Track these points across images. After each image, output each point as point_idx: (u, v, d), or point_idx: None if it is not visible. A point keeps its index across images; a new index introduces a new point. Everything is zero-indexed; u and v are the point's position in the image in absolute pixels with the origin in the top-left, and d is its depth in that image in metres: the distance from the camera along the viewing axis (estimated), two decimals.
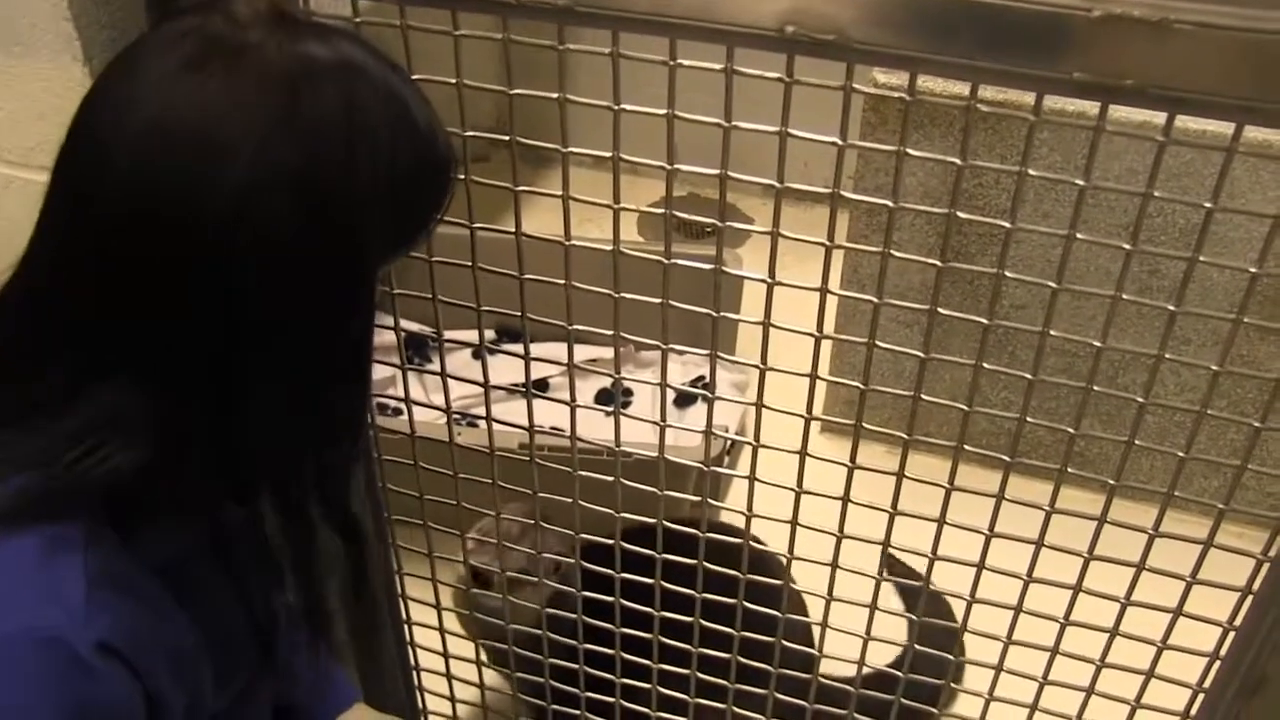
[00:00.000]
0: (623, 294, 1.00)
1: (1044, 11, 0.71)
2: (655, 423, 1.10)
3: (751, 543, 1.13)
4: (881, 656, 1.22)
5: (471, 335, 1.12)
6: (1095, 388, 0.93)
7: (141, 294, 0.75)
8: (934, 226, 2.10)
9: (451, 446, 1.18)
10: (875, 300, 0.94)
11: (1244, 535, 1.07)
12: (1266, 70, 0.70)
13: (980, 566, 1.07)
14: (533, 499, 1.18)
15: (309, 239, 0.75)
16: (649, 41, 0.82)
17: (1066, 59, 0.73)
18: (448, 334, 1.12)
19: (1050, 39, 0.72)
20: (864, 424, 1.02)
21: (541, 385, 2.26)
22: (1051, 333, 0.91)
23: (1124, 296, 0.87)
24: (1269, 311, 1.98)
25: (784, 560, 1.13)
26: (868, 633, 1.15)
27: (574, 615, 1.26)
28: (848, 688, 1.21)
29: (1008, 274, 0.89)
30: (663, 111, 0.87)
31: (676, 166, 0.92)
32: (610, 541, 1.17)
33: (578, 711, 1.35)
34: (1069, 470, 0.99)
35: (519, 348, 1.10)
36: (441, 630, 1.37)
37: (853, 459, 1.04)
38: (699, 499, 1.11)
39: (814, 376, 0.99)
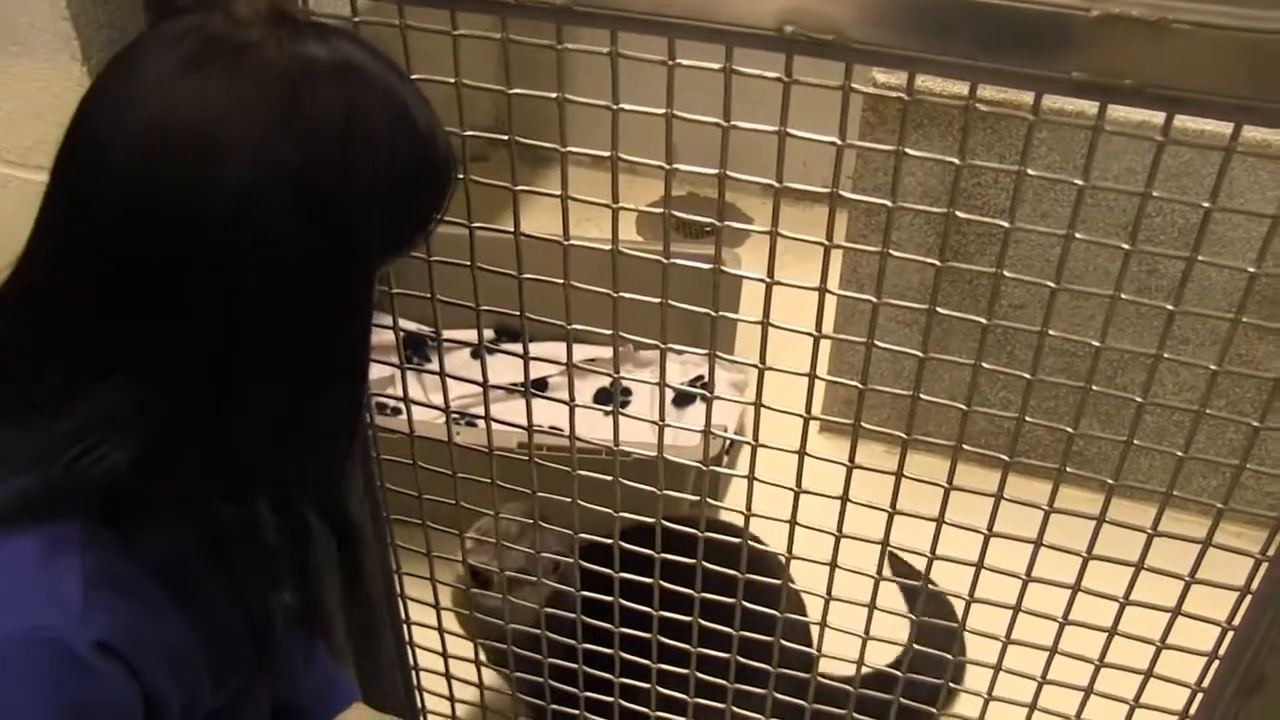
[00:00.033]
0: (621, 293, 1.00)
1: (1043, 11, 0.71)
2: (654, 422, 1.10)
3: (750, 542, 1.13)
4: (882, 656, 1.22)
5: (470, 335, 1.12)
6: (1094, 387, 0.93)
7: (140, 294, 0.75)
8: (933, 226, 2.10)
9: (450, 446, 1.18)
10: (874, 300, 0.94)
11: (1243, 535, 1.07)
12: (1265, 70, 0.70)
13: (979, 566, 1.07)
14: (531, 498, 1.18)
15: (308, 239, 0.75)
16: (648, 41, 0.82)
17: (1065, 58, 0.73)
18: (446, 333, 1.12)
19: (1049, 38, 0.72)
20: (863, 423, 1.02)
21: (540, 385, 2.26)
22: (1050, 332, 0.91)
23: (1123, 296, 0.87)
24: (1267, 311, 1.98)
25: (783, 559, 1.13)
26: (866, 632, 1.15)
27: (573, 615, 1.26)
28: (847, 687, 1.21)
29: (1006, 274, 0.89)
30: (661, 111, 0.87)
31: (675, 166, 0.92)
32: (609, 541, 1.17)
33: (577, 711, 1.35)
34: (1068, 470, 0.99)
35: (518, 347, 1.10)
36: (440, 630, 1.37)
37: (851, 458, 1.04)
38: (698, 498, 1.11)
39: (813, 376, 0.99)
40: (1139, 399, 0.93)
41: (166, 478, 0.81)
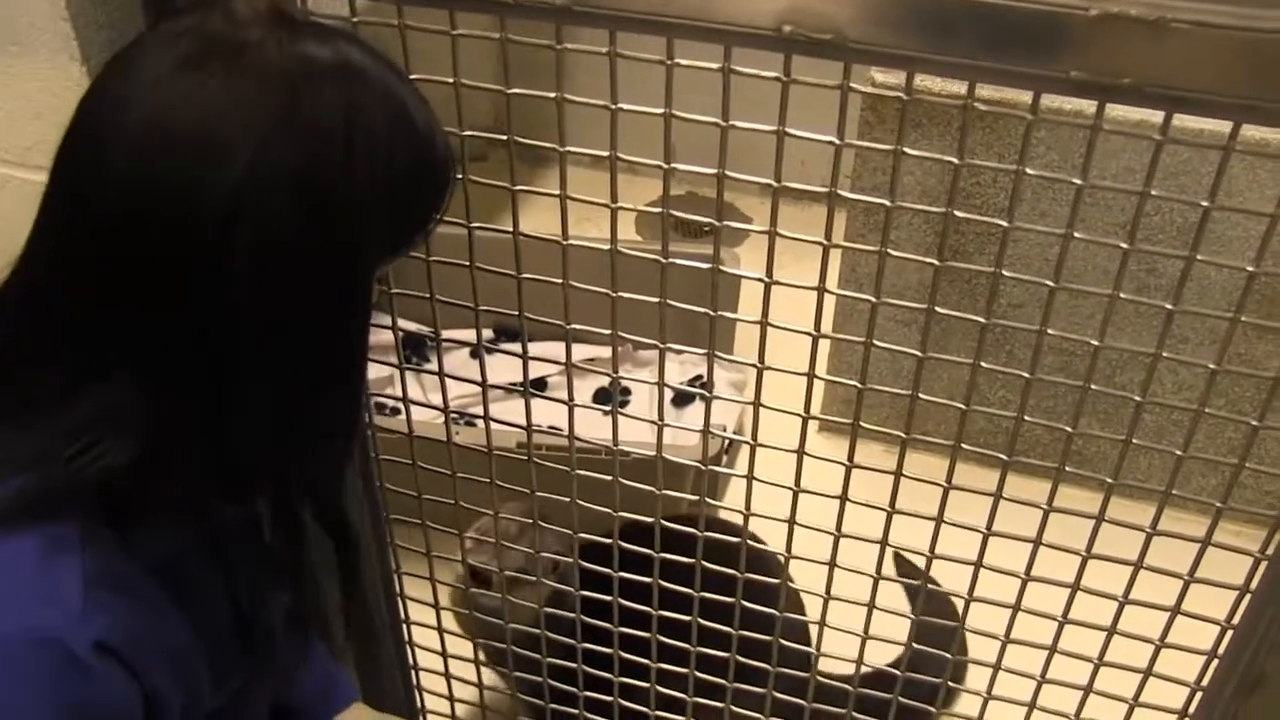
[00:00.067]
0: (620, 293, 1.00)
1: (1041, 10, 0.71)
2: (653, 422, 1.10)
3: (750, 542, 1.13)
4: (882, 655, 1.22)
5: (469, 334, 1.12)
6: (1093, 386, 0.93)
7: (139, 293, 0.75)
8: (932, 225, 2.10)
9: (450, 446, 1.18)
10: (873, 299, 0.94)
11: (1242, 533, 1.07)
12: (1264, 69, 0.70)
13: (978, 565, 1.07)
14: (531, 498, 1.18)
15: (307, 239, 0.75)
16: (646, 41, 0.82)
17: (1064, 58, 0.73)
18: (445, 333, 1.12)
19: (1048, 38, 0.72)
20: (862, 423, 1.02)
21: (539, 384, 2.26)
22: (1049, 331, 0.91)
23: (1122, 295, 0.87)
24: (1266, 310, 1.98)
25: (782, 559, 1.13)
26: (866, 631, 1.15)
27: (572, 615, 1.26)
28: (846, 687, 1.21)
29: (1005, 273, 0.89)
30: (660, 111, 0.87)
31: (674, 166, 0.92)
32: (608, 541, 1.17)
33: (576, 711, 1.35)
34: (1067, 469, 0.99)
35: (517, 347, 1.10)
36: (440, 630, 1.37)
37: (850, 458, 1.04)
38: (697, 498, 1.11)
39: (812, 375, 0.99)
40: (1138, 398, 0.94)
41: (166, 477, 0.81)
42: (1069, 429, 0.97)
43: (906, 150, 0.86)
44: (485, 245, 1.03)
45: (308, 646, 1.16)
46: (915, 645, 1.17)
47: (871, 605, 1.13)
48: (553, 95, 0.90)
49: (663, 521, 1.14)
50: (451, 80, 0.95)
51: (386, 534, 1.31)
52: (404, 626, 1.41)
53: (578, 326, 1.03)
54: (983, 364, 0.95)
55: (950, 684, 1.16)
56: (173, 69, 0.74)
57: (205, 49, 0.74)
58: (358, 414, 0.90)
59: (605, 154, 0.92)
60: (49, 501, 0.78)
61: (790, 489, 1.06)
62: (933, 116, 1.98)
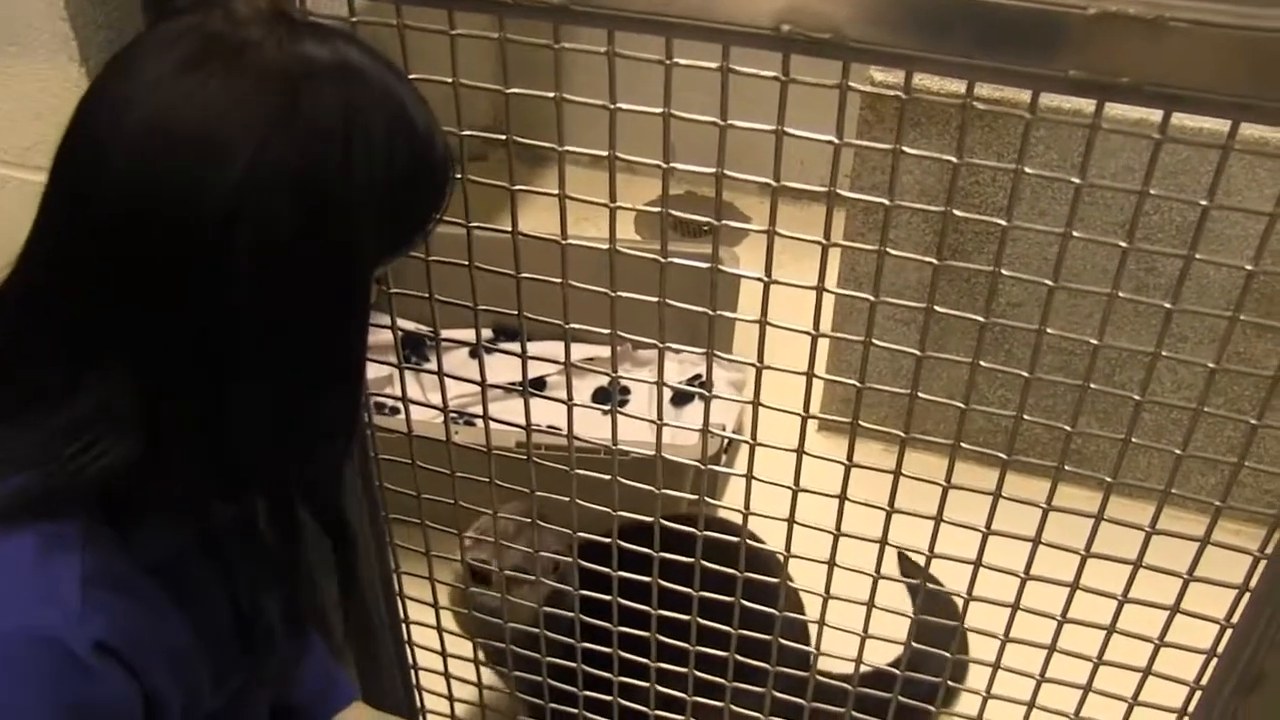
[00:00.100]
0: (619, 293, 1.00)
1: (1040, 9, 0.72)
2: (652, 421, 1.10)
3: (749, 541, 1.13)
4: (882, 654, 1.22)
5: (469, 334, 1.12)
6: (1092, 385, 0.93)
7: (139, 293, 0.75)
8: (930, 224, 2.10)
9: (449, 445, 1.18)
10: (872, 298, 0.94)
11: (1241, 532, 1.07)
12: (1262, 67, 0.70)
13: (977, 564, 1.07)
14: (530, 498, 1.18)
15: (307, 239, 0.75)
16: (645, 40, 0.82)
17: (1062, 57, 0.73)
18: (445, 333, 1.12)
19: (1046, 37, 0.72)
20: (861, 422, 1.02)
21: (539, 384, 2.26)
22: (1048, 331, 0.91)
23: (1120, 294, 0.87)
24: (1265, 309, 1.99)
25: (781, 558, 1.13)
26: (865, 630, 1.15)
27: (572, 614, 1.26)
28: (846, 686, 1.21)
29: (1004, 272, 0.89)
30: (659, 110, 0.87)
31: (673, 165, 0.92)
32: (608, 540, 1.17)
33: (576, 710, 1.35)
34: (1066, 468, 0.99)
35: (516, 346, 1.10)
36: (439, 629, 1.37)
37: (850, 457, 1.04)
38: (696, 497, 1.11)
39: (811, 375, 0.99)
40: (1137, 397, 0.94)
41: (165, 477, 0.81)
42: (1068, 428, 0.97)
43: (905, 149, 0.86)
44: (484, 245, 1.03)
45: (306, 646, 1.17)
46: (915, 644, 1.17)
47: (871, 604, 1.13)
48: (551, 95, 0.90)
49: (662, 521, 1.14)
50: (450, 80, 0.95)
51: (385, 533, 1.31)
52: (403, 626, 1.41)
53: (577, 326, 1.03)
54: (982, 363, 0.95)
55: (950, 683, 1.16)
56: (173, 69, 0.74)
57: (205, 48, 0.74)
58: (357, 413, 0.90)
59: (604, 153, 0.92)
60: (49, 500, 0.78)
61: (789, 488, 1.06)
62: (931, 115, 1.99)
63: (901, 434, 1.01)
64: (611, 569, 1.19)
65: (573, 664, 1.30)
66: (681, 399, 2.32)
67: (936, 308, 0.92)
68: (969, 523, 1.03)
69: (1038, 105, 0.80)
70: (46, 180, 0.78)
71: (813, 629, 1.20)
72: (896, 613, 1.14)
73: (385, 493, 1.27)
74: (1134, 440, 0.96)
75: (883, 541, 1.07)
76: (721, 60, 0.84)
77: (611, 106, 0.89)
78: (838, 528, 1.08)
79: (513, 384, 1.14)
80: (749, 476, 1.09)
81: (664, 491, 1.11)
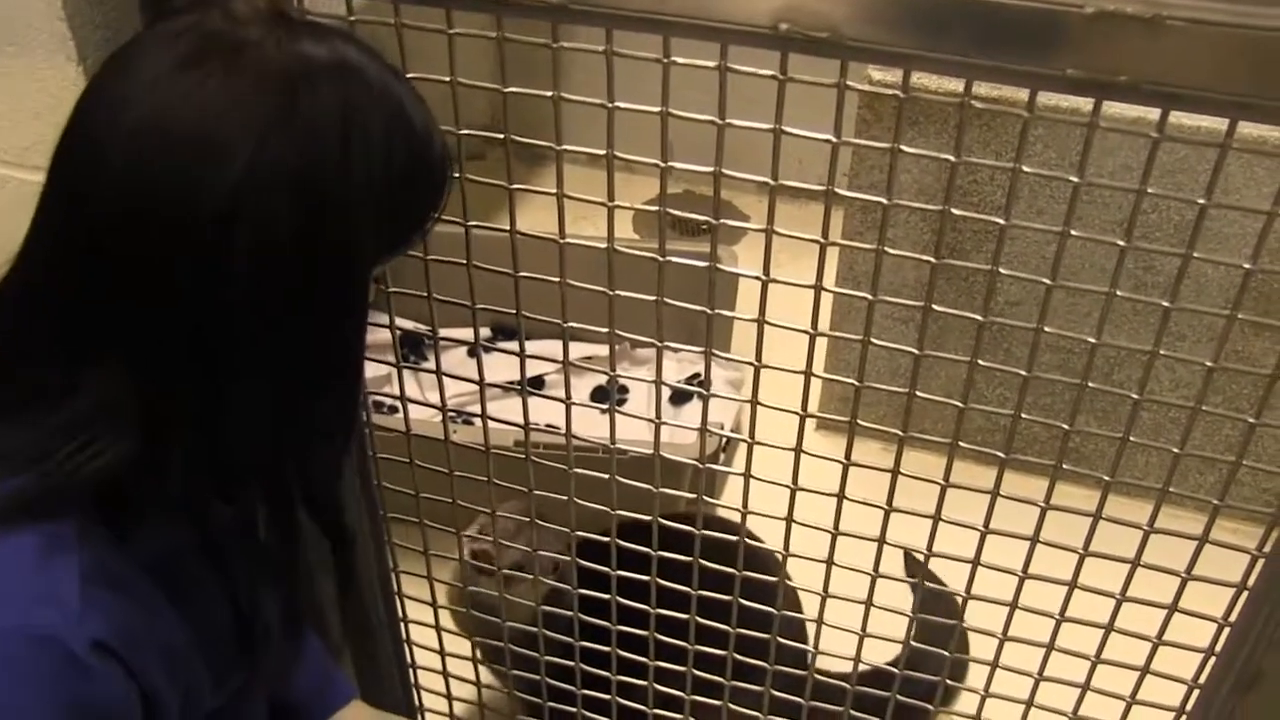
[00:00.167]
0: (618, 291, 1.00)
1: (1038, 8, 0.72)
2: (651, 420, 1.10)
3: (747, 540, 1.13)
4: (881, 654, 1.22)
5: (467, 333, 1.12)
6: (1090, 384, 0.93)
7: (137, 292, 0.75)
8: (929, 223, 2.10)
9: (447, 444, 1.18)
10: (870, 297, 0.94)
11: (1239, 531, 1.07)
12: (1260, 66, 0.70)
13: (975, 563, 1.07)
14: (528, 496, 1.18)
15: (305, 238, 0.75)
16: (643, 39, 0.82)
17: (1060, 55, 0.73)
18: (443, 332, 1.12)
19: (1044, 35, 0.72)
20: (859, 421, 1.02)
21: (537, 383, 2.26)
22: (1046, 329, 0.91)
23: (1118, 293, 0.87)
24: (1263, 307, 1.99)
25: (780, 557, 1.13)
26: (863, 629, 1.15)
27: (570, 613, 1.26)
28: (844, 684, 1.21)
29: (1002, 270, 0.89)
30: (657, 109, 0.87)
31: (671, 164, 0.92)
32: (606, 539, 1.17)
33: (574, 709, 1.35)
34: (1064, 466, 0.99)
35: (514, 345, 1.10)
36: (438, 628, 1.37)
37: (848, 456, 1.04)
38: (695, 496, 1.11)
39: (809, 374, 0.99)
40: (1135, 396, 0.94)
41: (163, 475, 0.81)
42: (1066, 427, 0.97)
43: (903, 148, 0.86)
44: (482, 244, 1.03)
45: (304, 645, 1.16)
46: (913, 644, 1.17)
47: (869, 603, 1.13)
48: (550, 94, 0.90)
49: (660, 520, 1.14)
50: (448, 79, 0.95)
51: (384, 532, 1.31)
52: (401, 625, 1.41)
53: (575, 325, 1.03)
54: (980, 362, 0.95)
55: (949, 682, 1.16)
56: (171, 68, 0.74)
57: (204, 48, 0.74)
58: (355, 412, 0.90)
59: (602, 152, 0.92)
60: (46, 500, 0.78)
61: (788, 487, 1.06)
62: (930, 114, 1.99)
63: (900, 433, 1.01)
64: (610, 568, 1.19)
65: (571, 663, 1.30)
66: (680, 398, 2.32)
67: (935, 306, 0.93)
68: (967, 521, 1.03)
69: (1036, 104, 0.80)
70: (44, 179, 0.78)
71: (811, 628, 1.20)
72: (895, 611, 1.14)
73: (384, 492, 1.27)
74: (1132, 439, 0.96)
75: (881, 540, 1.08)
76: (719, 59, 0.84)
77: (610, 105, 0.89)
78: (836, 526, 1.08)
79: (511, 383, 1.14)
80: (747, 475, 1.09)
81: (662, 490, 1.11)
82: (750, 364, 1.01)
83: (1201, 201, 0.82)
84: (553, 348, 1.08)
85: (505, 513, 1.24)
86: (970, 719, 1.21)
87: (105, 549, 0.80)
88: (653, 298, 0.99)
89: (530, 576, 1.28)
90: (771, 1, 0.76)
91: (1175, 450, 0.95)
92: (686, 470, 1.63)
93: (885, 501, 1.04)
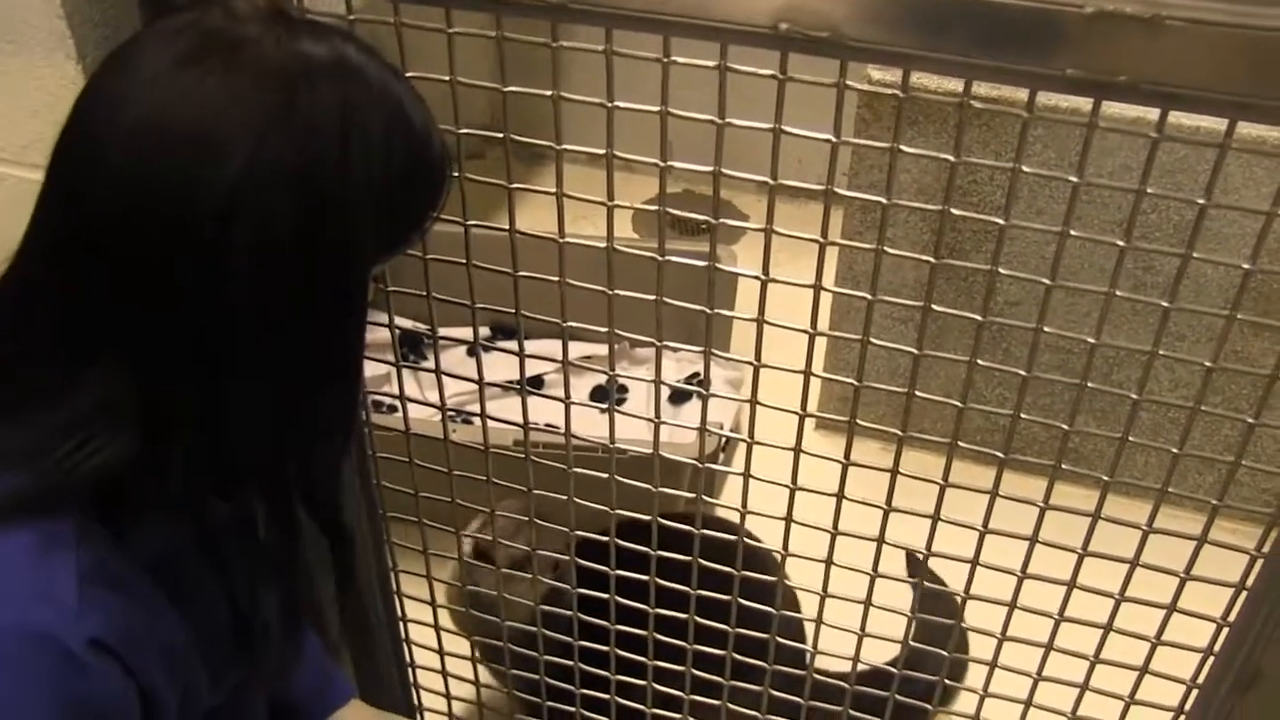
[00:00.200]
0: (617, 291, 1.00)
1: (1037, 8, 0.72)
2: (650, 419, 1.10)
3: (746, 539, 1.13)
4: (880, 653, 1.22)
5: (466, 332, 1.12)
6: (1089, 384, 0.93)
7: (135, 291, 0.75)
8: (928, 223, 2.10)
9: (446, 443, 1.18)
10: (869, 297, 0.94)
11: (1238, 531, 1.07)
12: (1259, 66, 0.70)
13: (974, 563, 1.07)
14: (528, 496, 1.18)
15: (304, 237, 0.75)
16: (643, 39, 0.82)
17: (1060, 55, 0.73)
18: (442, 331, 1.12)
19: (1043, 35, 0.72)
20: (858, 420, 1.02)
21: (536, 382, 2.26)
22: (1045, 329, 0.91)
23: (1118, 293, 0.87)
24: (1263, 307, 1.99)
25: (778, 557, 1.13)
26: (862, 629, 1.15)
27: (569, 612, 1.26)
28: (842, 684, 1.21)
29: (1002, 270, 0.89)
30: (657, 108, 0.87)
31: (670, 164, 0.92)
32: (605, 538, 1.17)
33: (573, 708, 1.35)
34: (1063, 466, 0.99)
35: (514, 344, 1.10)
36: (437, 627, 1.37)
37: (847, 455, 1.04)
38: (694, 496, 1.11)
39: (808, 373, 0.99)
40: (1134, 396, 0.94)
41: (162, 474, 0.81)
42: (1065, 427, 0.97)
43: (903, 148, 0.86)
44: (482, 243, 1.03)
45: (302, 643, 1.16)
46: (912, 643, 1.17)
47: (868, 603, 1.13)
48: (549, 93, 0.90)
49: (659, 519, 1.14)
50: (448, 78, 0.95)
51: (383, 531, 1.31)
52: (400, 624, 1.41)
53: (574, 324, 1.03)
54: (979, 362, 0.95)
55: (948, 682, 1.16)
56: (171, 66, 0.74)
57: (203, 45, 0.74)
58: (354, 412, 0.90)
59: (602, 152, 0.92)
60: (44, 498, 0.78)
61: (787, 487, 1.06)
62: (929, 114, 1.99)
63: (899, 432, 1.01)
64: (609, 567, 1.19)
65: (570, 662, 1.30)
66: (679, 397, 2.32)
67: (934, 306, 0.93)
68: (966, 521, 1.03)
69: (1035, 104, 0.80)
70: (43, 178, 0.78)
71: (810, 627, 1.20)
72: (894, 611, 1.14)
73: (383, 491, 1.27)
74: (1131, 439, 0.96)
75: (880, 540, 1.08)
76: (719, 58, 0.84)
77: (609, 105, 0.89)
78: (835, 526, 1.08)
79: (510, 382, 1.14)
80: (746, 475, 1.09)
81: (661, 490, 1.11)
82: (749, 363, 1.01)
83: (1201, 201, 0.82)
84: (552, 347, 1.08)
85: (504, 512, 1.24)
86: (969, 719, 1.21)
87: (104, 548, 0.80)
88: (652, 297, 0.99)
89: (529, 576, 1.27)
90: (771, 1, 0.76)
91: (1174, 450, 0.95)
92: (686, 470, 1.63)
93: (884, 501, 1.04)
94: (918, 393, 0.98)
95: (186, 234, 0.73)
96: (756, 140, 0.85)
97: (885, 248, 0.91)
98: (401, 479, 1.23)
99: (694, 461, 1.10)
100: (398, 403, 1.19)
